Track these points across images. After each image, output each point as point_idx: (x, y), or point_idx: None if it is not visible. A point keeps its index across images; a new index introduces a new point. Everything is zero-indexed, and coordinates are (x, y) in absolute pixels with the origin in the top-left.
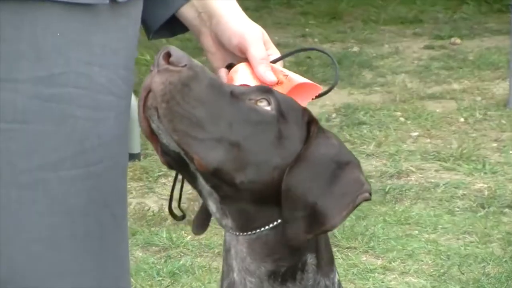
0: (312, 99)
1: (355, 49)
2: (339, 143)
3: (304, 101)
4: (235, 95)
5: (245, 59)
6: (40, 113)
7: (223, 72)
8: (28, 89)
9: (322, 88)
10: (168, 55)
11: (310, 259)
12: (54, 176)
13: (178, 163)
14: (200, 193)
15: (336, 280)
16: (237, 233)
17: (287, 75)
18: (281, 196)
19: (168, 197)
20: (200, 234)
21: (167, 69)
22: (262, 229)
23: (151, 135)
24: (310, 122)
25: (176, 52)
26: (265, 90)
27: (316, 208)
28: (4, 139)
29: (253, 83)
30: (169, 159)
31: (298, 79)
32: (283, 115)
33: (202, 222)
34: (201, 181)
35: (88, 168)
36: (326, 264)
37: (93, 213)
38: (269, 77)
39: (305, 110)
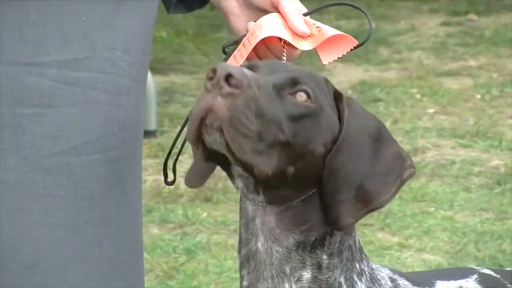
0: (347, 52)
1: None
2: (366, 112)
3: (338, 53)
4: (276, 91)
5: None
6: (66, 97)
7: (252, 25)
8: (54, 73)
9: (357, 41)
10: (229, 76)
11: None
12: (77, 160)
13: (219, 159)
14: (228, 172)
15: (357, 238)
16: (265, 204)
17: (320, 28)
18: (317, 174)
19: (183, 174)
20: (195, 187)
21: (232, 94)
22: (293, 202)
23: (198, 140)
24: (337, 98)
25: (237, 73)
26: (295, 81)
27: (362, 188)
28: (30, 123)
29: (284, 34)
30: (209, 157)
31: (331, 32)
32: (320, 105)
33: (197, 177)
34: (238, 169)
35: (108, 152)
36: None
37: (111, 198)
38: (303, 27)
39: (327, 82)
